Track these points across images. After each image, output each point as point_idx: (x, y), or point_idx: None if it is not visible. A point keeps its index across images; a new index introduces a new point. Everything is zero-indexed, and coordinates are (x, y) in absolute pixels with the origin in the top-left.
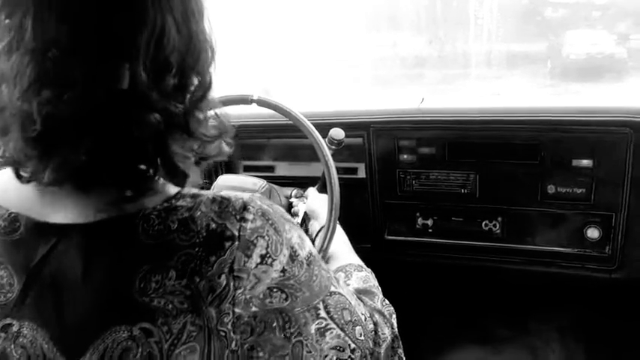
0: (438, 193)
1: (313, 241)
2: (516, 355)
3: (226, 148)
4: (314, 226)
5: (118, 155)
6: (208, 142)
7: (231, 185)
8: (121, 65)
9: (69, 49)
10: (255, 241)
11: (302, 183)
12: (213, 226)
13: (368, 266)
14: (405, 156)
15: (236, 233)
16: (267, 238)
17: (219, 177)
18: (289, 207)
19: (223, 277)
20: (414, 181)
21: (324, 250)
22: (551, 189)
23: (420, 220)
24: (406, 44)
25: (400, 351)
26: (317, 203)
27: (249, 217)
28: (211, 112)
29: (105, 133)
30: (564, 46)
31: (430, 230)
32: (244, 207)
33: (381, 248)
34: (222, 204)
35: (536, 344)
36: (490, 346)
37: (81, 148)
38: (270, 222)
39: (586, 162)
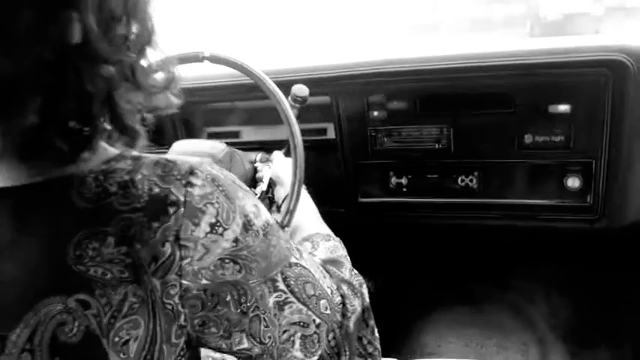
0: (411, 149)
1: (279, 208)
2: (499, 312)
3: (175, 100)
4: (279, 192)
5: (67, 115)
6: (155, 93)
7: (189, 150)
8: (70, 16)
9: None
10: (203, 209)
11: (269, 147)
12: (157, 190)
13: (343, 231)
14: (375, 113)
15: (182, 199)
16: (217, 205)
17: (174, 143)
18: (254, 172)
19: (168, 245)
20: (385, 139)
21: (287, 219)
22: (528, 138)
23: (393, 180)
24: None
25: (372, 322)
26: (282, 168)
27: (197, 182)
28: (156, 61)
29: (55, 92)
30: (542, 7)
31: (405, 189)
32: (191, 171)
33: (355, 211)
34: (167, 167)
35: (518, 301)
36: (472, 306)
37: (29, 110)
38: (220, 188)
39: (563, 107)
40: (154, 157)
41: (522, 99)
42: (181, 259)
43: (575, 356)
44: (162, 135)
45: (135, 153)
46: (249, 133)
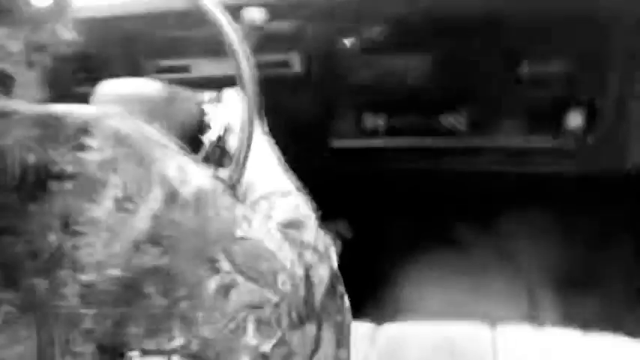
0: (388, 84)
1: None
2: (485, 258)
3: (67, 33)
4: (232, 140)
5: None
6: (38, 22)
7: (116, 94)
8: None
9: None
10: (103, 179)
11: (223, 84)
12: (32, 159)
13: (314, 178)
14: (347, 41)
15: (69, 169)
16: (123, 173)
17: (99, 86)
18: (202, 117)
19: (52, 235)
20: (359, 72)
21: (238, 173)
22: (523, 68)
23: (369, 120)
24: None
25: (341, 288)
26: (234, 110)
27: (93, 143)
28: None
29: None
30: None
31: (382, 130)
32: (84, 128)
33: (327, 157)
34: (48, 125)
35: (505, 246)
36: (456, 251)
37: None
38: (128, 149)
39: (568, 28)
40: (33, 111)
41: (517, 21)
42: (75, 248)
43: (564, 300)
44: (102, 70)
45: (8, 106)
46: (200, 67)
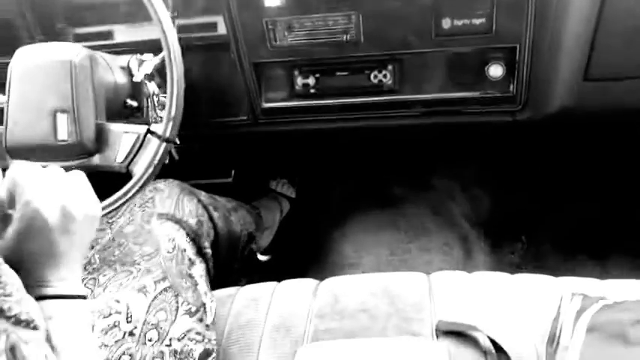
0: (316, 44)
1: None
2: (420, 212)
3: None
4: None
5: None
6: None
7: (39, 59)
8: None
9: None
10: None
11: (147, 50)
12: None
13: (249, 141)
14: (272, 0)
15: None
16: None
17: (17, 50)
18: (130, 78)
19: None
20: (286, 32)
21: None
22: (446, 23)
23: (299, 80)
24: None
25: None
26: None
27: None
28: None
29: None
30: None
31: (313, 90)
32: None
33: (260, 119)
34: None
35: (439, 199)
36: (393, 208)
37: None
38: None
39: None
40: None
41: None
42: None
43: (496, 251)
44: (14, 39)
45: None
46: (123, 33)
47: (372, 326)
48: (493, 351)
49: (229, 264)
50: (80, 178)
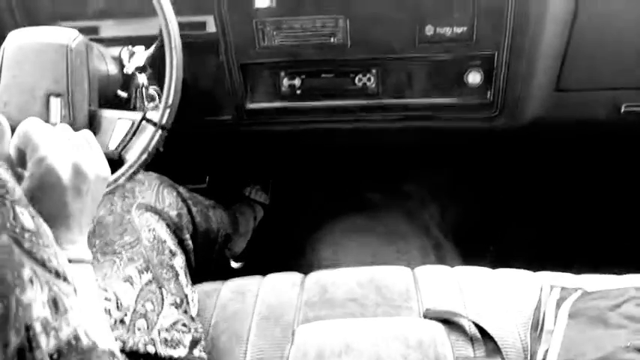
0: (303, 45)
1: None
2: (392, 219)
3: None
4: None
5: None
6: None
7: (34, 42)
8: None
9: None
10: None
11: (136, 44)
12: None
13: (231, 140)
14: (262, 1)
15: None
16: None
17: (10, 33)
18: (121, 68)
19: None
20: (274, 33)
21: (166, 118)
22: (429, 30)
23: (285, 81)
24: None
25: None
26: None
27: None
28: None
29: None
30: None
31: (298, 92)
32: None
33: (244, 119)
34: None
35: (411, 206)
36: (370, 213)
37: None
38: None
39: None
40: None
41: None
42: None
43: (467, 259)
44: None
45: None
46: (109, 29)
47: (362, 313)
48: (479, 336)
49: (205, 263)
50: (90, 137)
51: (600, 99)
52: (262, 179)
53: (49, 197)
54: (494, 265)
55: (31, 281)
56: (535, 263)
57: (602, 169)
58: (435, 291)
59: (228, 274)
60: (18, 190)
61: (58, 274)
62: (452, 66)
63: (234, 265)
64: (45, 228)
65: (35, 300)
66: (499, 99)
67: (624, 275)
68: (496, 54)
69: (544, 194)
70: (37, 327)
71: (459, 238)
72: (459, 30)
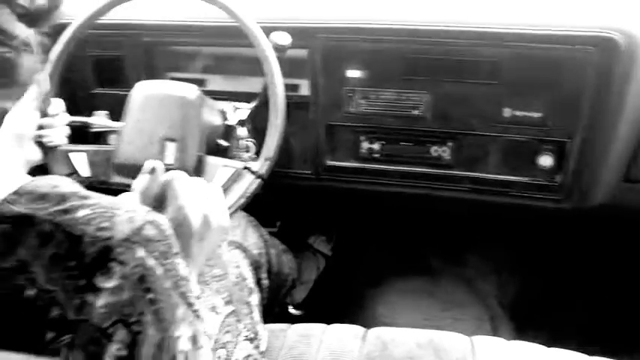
0: (387, 114)
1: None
2: (450, 286)
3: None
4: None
5: None
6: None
7: (157, 93)
8: None
9: None
10: (110, 331)
11: (238, 100)
12: (31, 292)
13: (308, 192)
14: (354, 72)
15: (71, 316)
16: (134, 319)
17: (137, 84)
18: (225, 125)
19: None
20: (361, 101)
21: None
22: (507, 112)
23: (365, 145)
24: None
25: None
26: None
27: (108, 283)
28: None
29: None
30: None
31: (376, 155)
32: (106, 257)
33: (323, 174)
34: (64, 247)
35: (471, 276)
36: (424, 277)
37: None
38: (148, 294)
39: (546, 84)
40: (50, 220)
41: (507, 72)
42: None
43: (521, 333)
44: (122, 75)
45: (24, 209)
46: (215, 83)
47: None
48: None
49: (270, 304)
50: (218, 191)
51: None
52: (327, 230)
53: (179, 239)
54: (549, 343)
55: (182, 319)
56: (589, 346)
57: None
58: None
59: (286, 319)
60: (176, 243)
61: (197, 315)
62: (525, 147)
63: (293, 312)
64: (193, 275)
65: (182, 335)
66: (568, 183)
67: None
68: (569, 141)
69: (605, 277)
70: (180, 358)
71: (516, 313)
72: (535, 115)
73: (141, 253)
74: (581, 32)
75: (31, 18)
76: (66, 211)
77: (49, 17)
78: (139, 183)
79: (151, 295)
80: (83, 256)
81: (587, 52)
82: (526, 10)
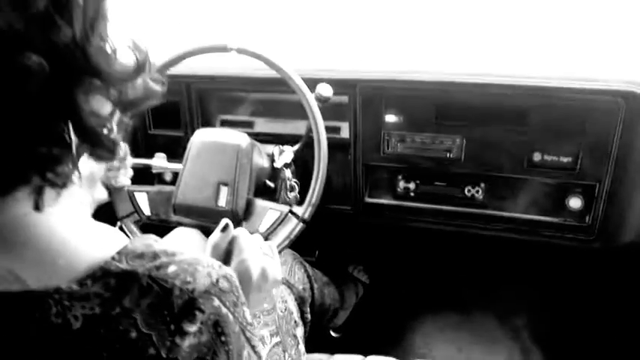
0: (422, 156)
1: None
2: (483, 319)
3: (156, 87)
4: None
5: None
6: (124, 80)
7: (213, 140)
8: None
9: None
10: None
11: (282, 141)
12: (133, 335)
13: (347, 228)
14: (392, 117)
15: (163, 355)
16: (209, 357)
17: (196, 131)
18: (272, 166)
19: None
20: (398, 144)
21: (308, 212)
22: (537, 156)
23: (401, 184)
24: None
25: None
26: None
27: (191, 328)
28: (118, 40)
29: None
30: None
31: (412, 194)
32: (191, 306)
33: (361, 211)
34: (159, 298)
35: (503, 310)
36: (462, 311)
37: None
38: (222, 336)
39: (575, 131)
40: (148, 275)
41: (536, 119)
42: None
43: None
44: (177, 119)
45: (127, 266)
46: (262, 125)
47: None
48: None
49: (312, 332)
50: (274, 247)
51: None
52: (366, 261)
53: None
54: None
55: (247, 359)
56: None
57: None
58: None
59: (327, 341)
60: (242, 293)
61: (260, 357)
62: (555, 189)
63: (333, 334)
64: (255, 322)
65: None
66: (597, 224)
67: None
68: (598, 184)
69: (634, 313)
70: None
71: (547, 348)
72: (564, 160)
73: (217, 302)
74: (607, 87)
75: (124, 107)
76: (158, 268)
77: (143, 105)
78: (213, 238)
79: (223, 338)
80: (173, 305)
81: (615, 103)
82: (553, 59)
